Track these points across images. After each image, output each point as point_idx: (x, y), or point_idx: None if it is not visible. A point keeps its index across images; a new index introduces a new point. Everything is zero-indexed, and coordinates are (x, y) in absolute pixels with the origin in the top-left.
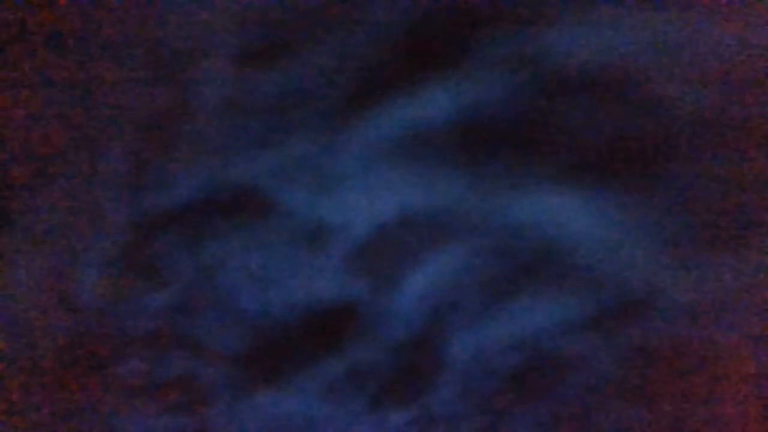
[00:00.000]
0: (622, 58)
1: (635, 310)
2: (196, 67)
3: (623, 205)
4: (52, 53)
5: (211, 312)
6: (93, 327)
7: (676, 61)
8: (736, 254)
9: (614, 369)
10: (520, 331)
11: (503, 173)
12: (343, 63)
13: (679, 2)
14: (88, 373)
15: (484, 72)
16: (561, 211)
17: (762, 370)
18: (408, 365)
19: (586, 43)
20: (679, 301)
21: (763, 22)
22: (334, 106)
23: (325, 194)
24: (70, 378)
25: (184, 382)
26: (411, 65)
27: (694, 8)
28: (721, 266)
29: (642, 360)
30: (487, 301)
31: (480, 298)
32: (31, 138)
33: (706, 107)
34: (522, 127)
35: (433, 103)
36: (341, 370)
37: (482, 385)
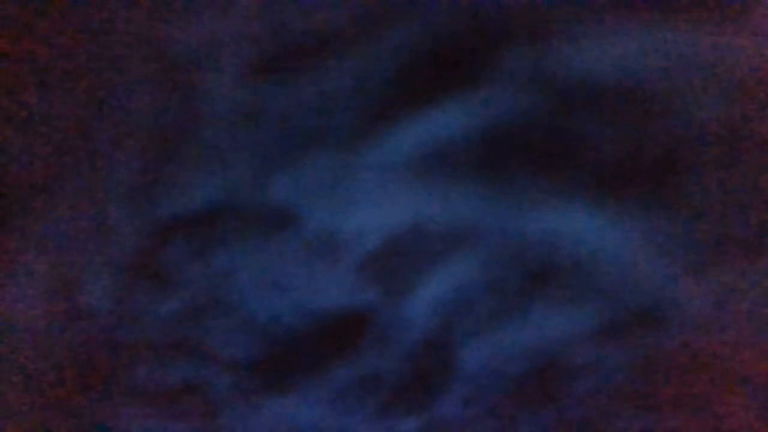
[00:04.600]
0: (639, 73)
1: (645, 320)
2: (206, 75)
3: (637, 217)
4: (57, 57)
5: (221, 319)
6: (101, 334)
7: (693, 75)
8: (749, 265)
9: (623, 377)
10: (530, 339)
11: (519, 186)
12: (360, 78)
13: (694, 16)
14: (96, 381)
15: (501, 88)
16: (575, 223)
17: None
18: (418, 372)
19: (603, 59)
20: (689, 311)
21: None
22: (351, 120)
23: (340, 205)
24: (77, 385)
25: (193, 389)
26: (429, 81)
27: (709, 22)
28: (733, 277)
29: (650, 368)
30: (497, 309)
31: (491, 307)
32: (37, 143)
33: (723, 120)
34: (539, 142)
35: (451, 118)
36: (352, 376)
37: (492, 392)
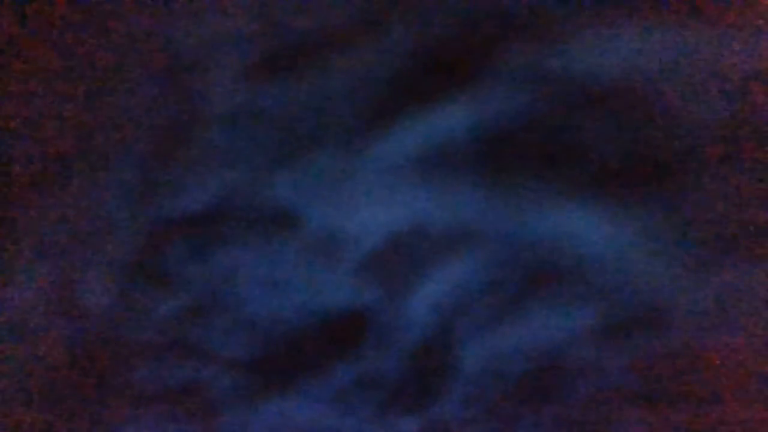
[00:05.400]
0: (640, 73)
1: (645, 320)
2: (206, 75)
3: (637, 218)
4: (57, 57)
5: (221, 319)
6: (101, 334)
7: (694, 76)
8: (749, 265)
9: (623, 377)
10: (530, 339)
11: (520, 186)
12: (360, 78)
13: (694, 16)
14: (96, 381)
15: (502, 87)
16: (576, 223)
17: None
18: (418, 372)
19: (604, 59)
20: (689, 311)
21: None
22: (351, 120)
23: (340, 205)
24: (77, 385)
25: (193, 389)
26: (431, 80)
27: (709, 22)
28: (733, 277)
29: (650, 368)
30: (497, 309)
31: (491, 307)
32: (37, 143)
33: (724, 121)
34: (540, 142)
35: (453, 118)
36: (352, 376)
37: (492, 392)
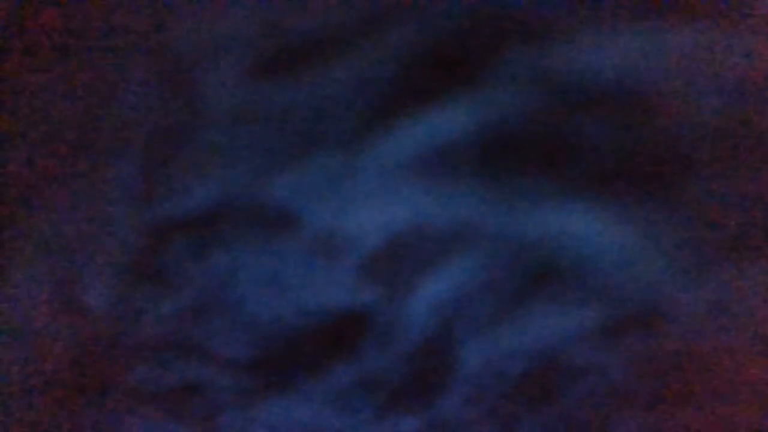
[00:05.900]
0: (640, 74)
1: (645, 320)
2: (206, 75)
3: (637, 217)
4: (55, 56)
5: (221, 319)
6: (100, 334)
7: (693, 75)
8: (749, 265)
9: (623, 377)
10: (530, 339)
11: (521, 187)
12: (360, 78)
13: (694, 16)
14: (95, 381)
15: (503, 88)
16: (575, 223)
17: None
18: (418, 372)
19: (603, 59)
20: (689, 311)
21: None
22: (351, 120)
23: (340, 205)
24: (77, 385)
25: (193, 389)
26: (430, 81)
27: (709, 22)
28: (733, 277)
29: (650, 368)
30: (498, 309)
31: (491, 307)
32: (37, 143)
33: (723, 120)
34: (540, 143)
35: (452, 119)
36: (352, 377)
37: (492, 392)
